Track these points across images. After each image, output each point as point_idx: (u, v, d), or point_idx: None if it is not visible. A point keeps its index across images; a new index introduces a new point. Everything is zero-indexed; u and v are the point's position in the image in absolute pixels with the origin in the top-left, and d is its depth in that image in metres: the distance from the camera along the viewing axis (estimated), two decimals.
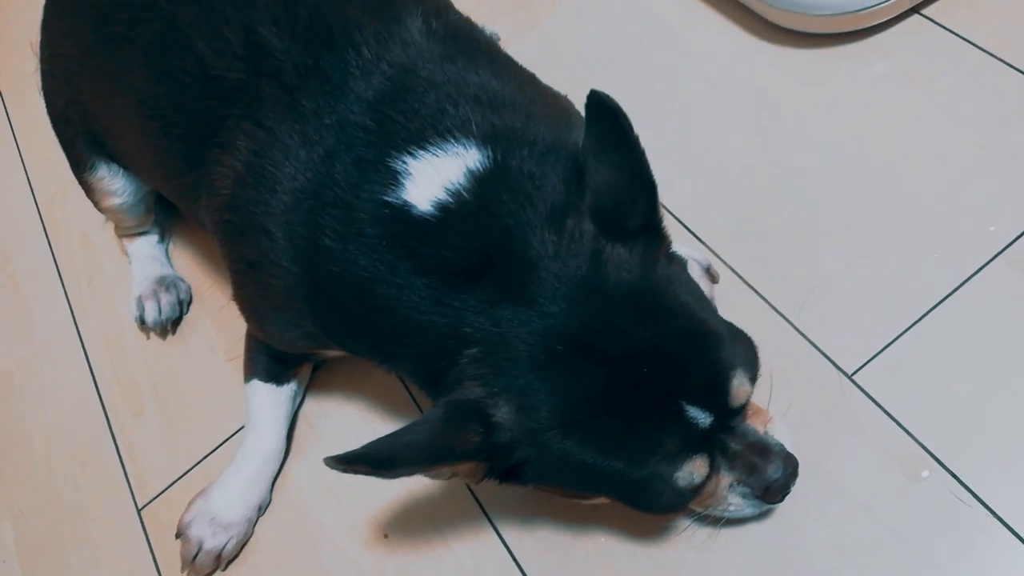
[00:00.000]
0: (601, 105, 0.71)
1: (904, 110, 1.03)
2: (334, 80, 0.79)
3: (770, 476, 0.75)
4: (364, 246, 0.76)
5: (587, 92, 0.71)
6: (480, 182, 0.75)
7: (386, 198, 0.75)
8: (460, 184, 0.74)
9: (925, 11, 1.08)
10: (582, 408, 0.70)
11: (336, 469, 0.69)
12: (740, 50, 1.15)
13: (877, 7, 1.04)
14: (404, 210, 0.75)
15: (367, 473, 0.71)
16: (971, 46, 1.03)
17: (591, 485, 0.76)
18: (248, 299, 0.92)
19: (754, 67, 1.13)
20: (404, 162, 0.75)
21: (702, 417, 0.70)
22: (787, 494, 0.77)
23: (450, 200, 0.74)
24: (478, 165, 0.75)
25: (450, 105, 0.78)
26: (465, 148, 0.76)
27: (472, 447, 0.71)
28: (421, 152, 0.76)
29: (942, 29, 1.06)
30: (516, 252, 0.72)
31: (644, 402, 0.69)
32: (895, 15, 1.07)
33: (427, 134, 0.76)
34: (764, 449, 0.75)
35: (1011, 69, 1.01)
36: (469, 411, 0.71)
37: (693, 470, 0.71)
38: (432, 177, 0.75)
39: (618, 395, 0.69)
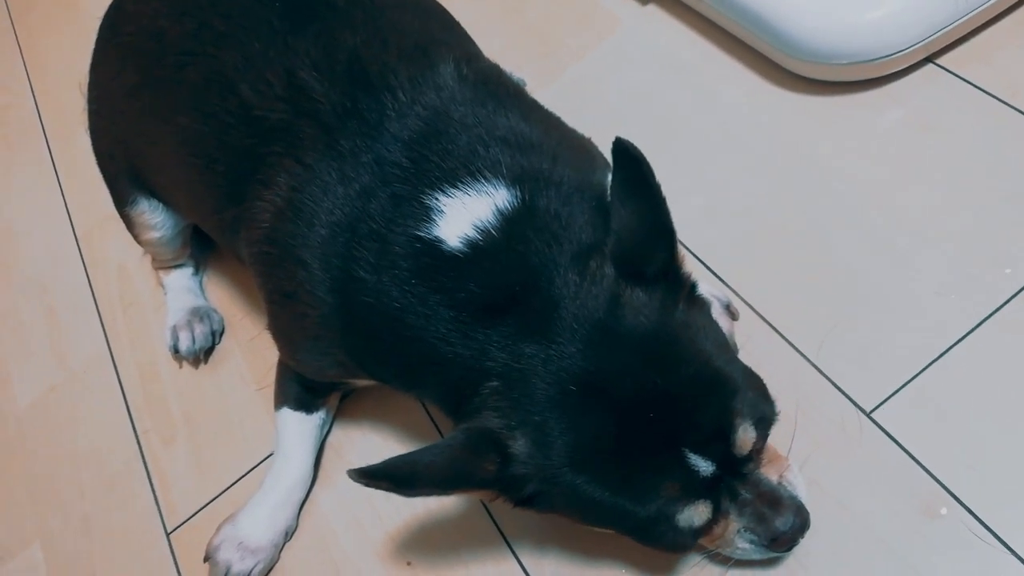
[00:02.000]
0: (625, 152, 0.74)
1: (919, 155, 1.05)
2: (371, 121, 0.83)
3: (778, 528, 0.76)
4: (396, 278, 0.79)
5: (611, 137, 0.75)
6: (508, 221, 0.78)
7: (419, 233, 0.78)
8: (489, 222, 0.78)
9: (939, 60, 1.12)
10: (592, 448, 0.72)
11: (359, 482, 0.72)
12: (759, 97, 1.19)
13: (893, 56, 1.07)
14: (435, 245, 0.78)
15: (388, 489, 0.73)
16: (985, 94, 1.06)
17: (598, 520, 0.78)
18: (282, 329, 0.95)
19: (772, 113, 1.16)
20: (437, 199, 0.79)
21: (704, 465, 0.72)
22: (795, 545, 0.78)
23: (479, 237, 0.77)
24: (506, 204, 0.79)
25: (481, 147, 0.82)
26: (495, 188, 0.79)
27: (489, 476, 0.74)
28: (453, 190, 0.79)
29: (956, 78, 1.09)
30: (540, 290, 0.75)
31: (649, 446, 0.72)
32: (910, 64, 1.11)
33: (459, 173, 0.80)
34: (775, 499, 0.76)
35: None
36: (488, 440, 0.74)
37: (694, 515, 0.73)
38: (463, 215, 0.78)
39: (626, 438, 0.72)
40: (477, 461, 0.73)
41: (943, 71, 1.10)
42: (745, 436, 0.73)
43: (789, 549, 0.78)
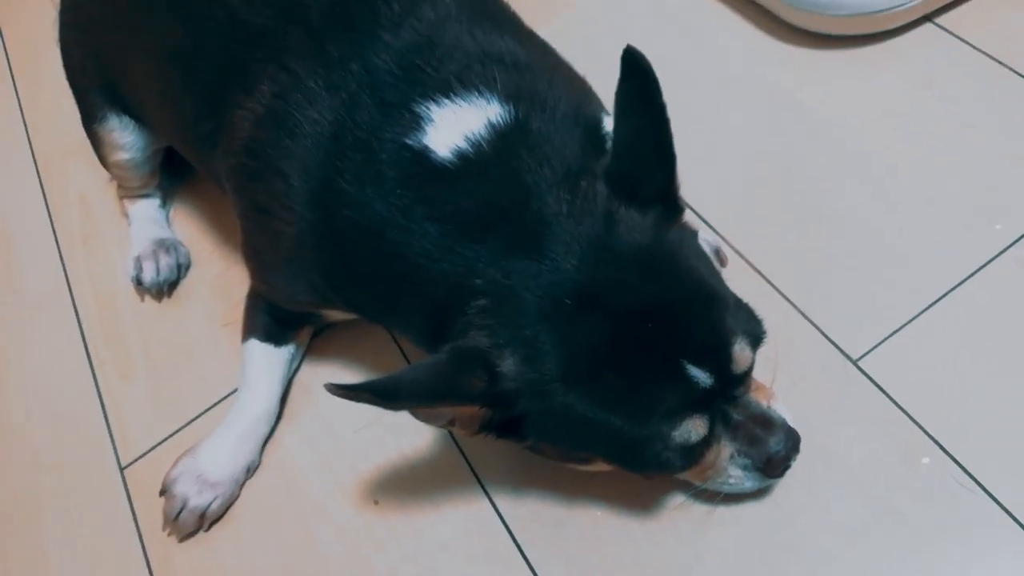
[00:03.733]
0: (635, 63, 0.71)
1: (914, 112, 1.05)
2: (362, 28, 0.79)
3: (772, 448, 0.74)
4: (381, 189, 0.75)
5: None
6: (500, 136, 0.75)
7: (407, 141, 0.75)
8: (480, 135, 0.75)
9: (938, 20, 1.11)
10: (586, 361, 0.69)
11: (338, 395, 0.68)
12: (755, 49, 1.17)
13: (893, 10, 1.06)
14: (423, 155, 0.74)
15: (369, 401, 0.69)
16: (981, 54, 1.06)
17: (590, 442, 0.75)
18: (256, 248, 0.91)
19: (768, 65, 1.15)
20: (428, 108, 0.76)
21: (703, 377, 0.69)
22: (788, 468, 0.77)
23: (470, 150, 0.74)
24: (499, 120, 0.76)
25: (476, 62, 0.79)
26: (488, 102, 0.76)
27: (477, 391, 0.70)
28: (445, 100, 0.76)
29: (953, 37, 1.09)
30: (530, 207, 0.72)
31: (647, 358, 0.69)
32: (910, 20, 1.10)
33: (452, 84, 0.77)
34: (767, 421, 0.75)
35: (1019, 77, 1.03)
36: (475, 358, 0.70)
37: (691, 428, 0.70)
38: (454, 125, 0.75)
39: (622, 350, 0.69)
40: (464, 378, 0.70)
41: (941, 30, 1.10)
42: (743, 352, 0.71)
43: (782, 473, 0.77)
